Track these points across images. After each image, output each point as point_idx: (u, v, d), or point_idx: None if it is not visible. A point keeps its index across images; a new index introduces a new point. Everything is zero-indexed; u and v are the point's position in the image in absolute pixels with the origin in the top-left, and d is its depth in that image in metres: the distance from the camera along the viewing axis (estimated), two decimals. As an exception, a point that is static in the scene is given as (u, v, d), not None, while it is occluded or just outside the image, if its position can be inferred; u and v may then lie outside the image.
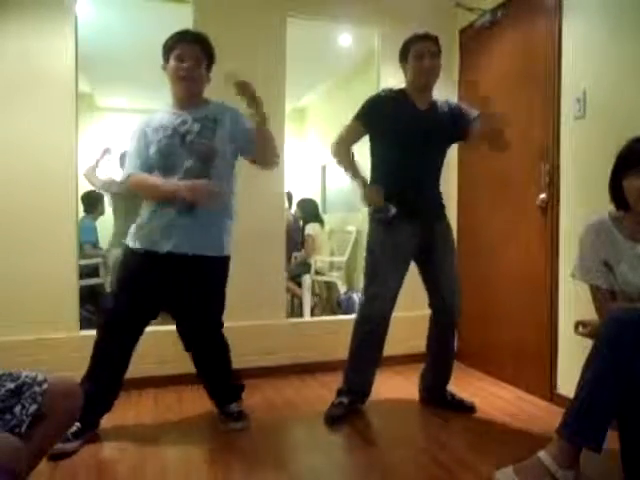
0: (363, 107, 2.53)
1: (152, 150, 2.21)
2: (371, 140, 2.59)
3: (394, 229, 2.46)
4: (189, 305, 2.29)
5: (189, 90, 2.24)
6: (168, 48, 2.22)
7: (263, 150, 2.29)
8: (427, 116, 2.50)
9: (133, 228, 2.26)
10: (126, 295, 2.22)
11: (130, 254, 2.24)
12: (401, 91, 2.55)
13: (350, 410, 2.51)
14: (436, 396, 2.66)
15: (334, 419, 2.45)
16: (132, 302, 2.22)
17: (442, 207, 2.62)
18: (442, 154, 2.60)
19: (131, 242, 2.24)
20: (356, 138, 2.56)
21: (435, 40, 2.48)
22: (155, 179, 2.20)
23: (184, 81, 2.21)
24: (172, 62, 2.20)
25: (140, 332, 2.29)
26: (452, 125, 2.54)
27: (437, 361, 2.67)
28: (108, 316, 2.26)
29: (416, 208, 2.47)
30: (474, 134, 2.51)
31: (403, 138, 2.47)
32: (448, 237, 2.60)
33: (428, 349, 2.69)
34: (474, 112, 2.52)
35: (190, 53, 2.19)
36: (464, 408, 2.59)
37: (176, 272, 2.22)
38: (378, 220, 2.51)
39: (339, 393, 2.57)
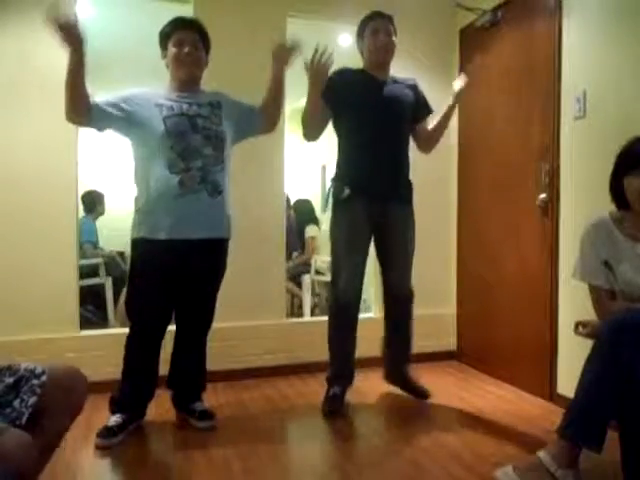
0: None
1: (157, 127, 2.18)
2: (334, 120, 2.59)
3: (349, 209, 2.50)
4: (203, 286, 2.35)
5: (191, 74, 2.27)
6: (165, 36, 2.25)
7: (276, 102, 2.43)
8: (386, 86, 2.54)
9: (151, 219, 2.20)
10: (158, 288, 2.23)
11: (153, 245, 2.19)
12: (360, 69, 2.61)
13: (344, 399, 2.57)
14: (396, 376, 2.73)
15: (332, 412, 2.49)
16: (165, 294, 2.25)
17: (405, 189, 2.60)
18: (404, 130, 2.60)
19: (154, 233, 2.19)
20: (323, 119, 2.56)
21: (390, 19, 2.56)
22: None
23: (186, 65, 2.23)
24: (172, 49, 2.22)
25: (170, 318, 2.33)
26: (416, 103, 2.60)
27: (394, 341, 2.71)
28: (143, 310, 2.26)
29: (371, 187, 2.48)
30: (422, 131, 2.65)
31: (362, 109, 2.49)
32: (405, 221, 2.59)
33: (385, 329, 2.73)
34: (430, 108, 2.67)
35: (188, 38, 2.22)
36: (418, 394, 2.65)
37: (201, 255, 2.26)
38: (334, 201, 2.55)
39: (329, 382, 2.62)
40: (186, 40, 2.22)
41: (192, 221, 2.20)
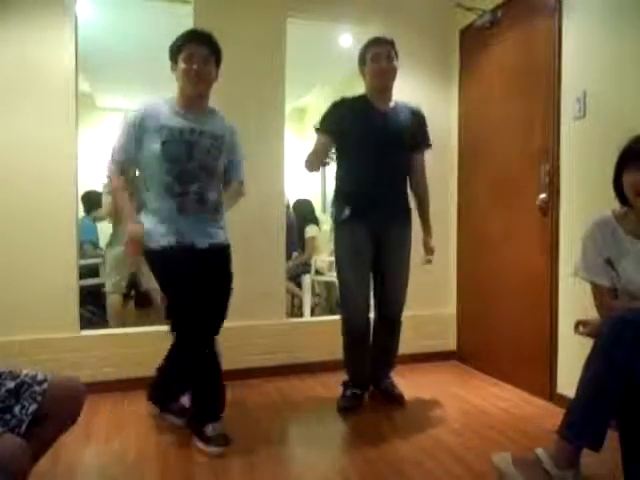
0: (323, 117, 2.60)
1: (154, 150, 2.17)
2: (335, 144, 2.63)
3: (351, 231, 2.54)
4: (218, 293, 2.32)
5: (198, 90, 2.25)
6: (176, 49, 2.23)
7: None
8: (387, 117, 2.57)
9: (158, 226, 2.18)
10: (194, 292, 2.18)
11: (173, 250, 2.17)
12: (361, 96, 2.63)
13: (362, 399, 2.65)
14: (376, 386, 2.77)
15: (348, 409, 2.57)
16: (199, 291, 2.21)
17: (403, 212, 2.63)
18: (404, 156, 2.63)
19: (165, 240, 2.17)
20: (325, 149, 2.60)
21: (391, 43, 2.57)
22: (127, 206, 2.22)
23: (194, 82, 2.21)
24: (181, 64, 2.20)
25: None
26: (414, 130, 2.61)
27: (377, 356, 2.72)
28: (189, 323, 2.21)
29: (370, 211, 2.52)
30: (419, 170, 2.69)
31: (362, 139, 2.53)
32: (403, 244, 2.62)
33: (372, 344, 2.72)
34: (428, 141, 2.68)
35: (199, 53, 2.20)
36: (395, 400, 2.68)
37: (210, 262, 2.26)
38: (335, 223, 2.61)
39: (346, 386, 2.66)
40: (196, 55, 2.19)
41: (195, 234, 2.22)
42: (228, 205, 2.43)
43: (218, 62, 2.30)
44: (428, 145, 2.70)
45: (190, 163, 2.20)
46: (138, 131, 2.20)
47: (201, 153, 2.22)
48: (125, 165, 2.25)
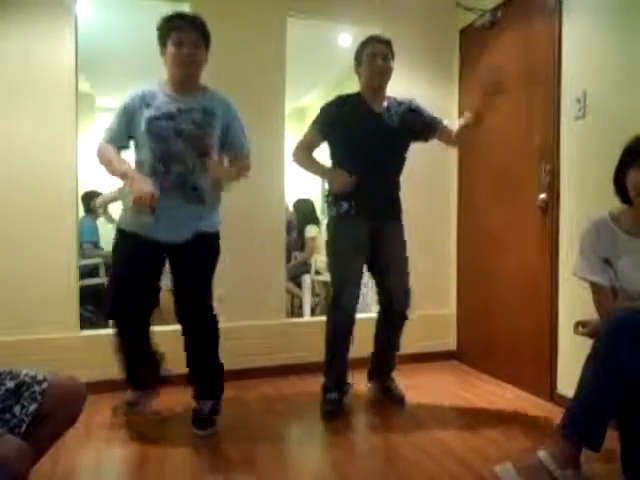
0: (318, 116, 2.60)
1: (140, 130, 2.18)
2: (329, 143, 2.64)
3: (350, 225, 2.54)
4: (191, 279, 2.30)
5: (189, 75, 2.23)
6: (164, 33, 2.19)
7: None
8: (382, 118, 2.56)
9: (134, 218, 2.17)
10: (133, 282, 2.24)
11: (134, 241, 2.21)
12: (356, 94, 2.62)
13: (342, 402, 2.61)
14: (378, 384, 2.77)
15: (332, 414, 2.51)
16: (140, 288, 2.26)
17: (397, 209, 2.65)
18: (399, 155, 2.63)
19: (136, 229, 2.20)
20: (315, 144, 2.63)
21: (388, 43, 2.55)
22: (129, 169, 2.15)
23: (184, 66, 2.19)
24: (171, 47, 2.17)
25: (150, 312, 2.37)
26: (411, 125, 2.60)
27: (382, 354, 2.73)
28: (118, 304, 2.29)
29: (366, 207, 2.52)
30: (450, 135, 2.65)
31: (358, 141, 2.53)
32: (399, 235, 2.64)
33: (375, 341, 2.74)
34: (437, 119, 2.65)
35: (188, 37, 2.16)
36: (395, 400, 2.67)
37: (184, 251, 2.25)
38: (334, 216, 2.60)
39: (326, 390, 2.63)
40: (185, 40, 2.16)
41: (163, 225, 2.16)
42: (233, 179, 2.35)
43: (207, 45, 2.26)
44: (440, 121, 2.66)
45: (176, 141, 2.16)
46: (131, 110, 2.20)
47: (190, 127, 2.18)
48: (111, 142, 2.23)
